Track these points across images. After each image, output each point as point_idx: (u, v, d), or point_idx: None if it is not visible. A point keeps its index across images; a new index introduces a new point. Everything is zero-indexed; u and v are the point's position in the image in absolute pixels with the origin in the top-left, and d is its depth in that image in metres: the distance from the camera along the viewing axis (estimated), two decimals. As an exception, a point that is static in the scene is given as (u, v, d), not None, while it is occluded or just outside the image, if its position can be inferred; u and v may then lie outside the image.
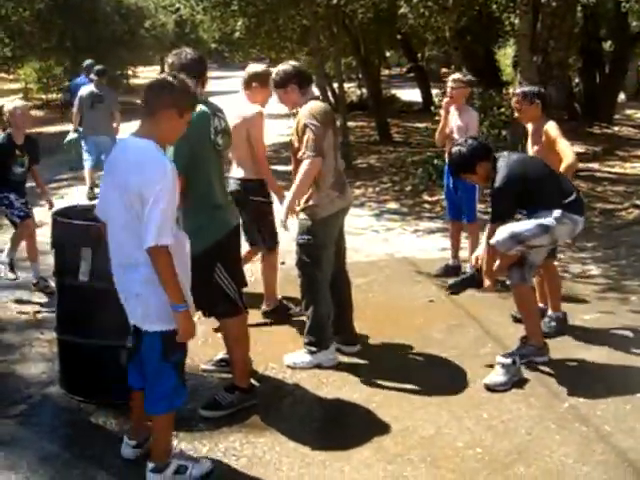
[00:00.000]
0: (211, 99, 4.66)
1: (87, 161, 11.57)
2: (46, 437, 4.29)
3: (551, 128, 5.56)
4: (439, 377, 5.04)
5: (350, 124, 15.79)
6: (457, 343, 5.56)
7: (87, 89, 11.56)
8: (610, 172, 12.57)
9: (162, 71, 40.43)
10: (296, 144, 5.04)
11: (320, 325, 5.13)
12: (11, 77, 32.55)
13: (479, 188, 6.81)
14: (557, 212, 4.90)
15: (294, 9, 15.38)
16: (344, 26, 15.95)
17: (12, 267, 6.74)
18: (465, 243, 7.27)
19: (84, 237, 4.41)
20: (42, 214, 7.09)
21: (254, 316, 5.49)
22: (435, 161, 11.24)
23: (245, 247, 5.65)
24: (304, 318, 5.26)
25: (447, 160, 5.52)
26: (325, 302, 5.15)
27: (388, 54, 30.30)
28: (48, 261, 6.84)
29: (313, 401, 4.72)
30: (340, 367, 5.15)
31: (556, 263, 6.01)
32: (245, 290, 4.69)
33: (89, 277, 4.40)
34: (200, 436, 4.27)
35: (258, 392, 4.69)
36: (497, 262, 5.02)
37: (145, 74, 42.46)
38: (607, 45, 21.13)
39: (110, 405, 4.57)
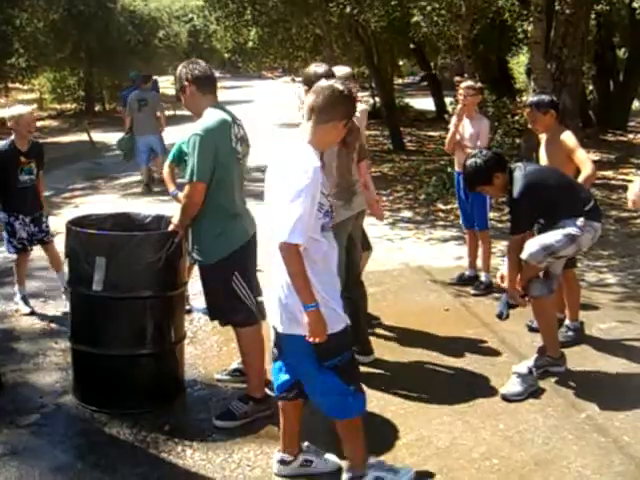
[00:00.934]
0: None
1: (140, 160, 12.72)
2: (59, 447, 4.28)
3: (568, 138, 5.50)
4: (454, 387, 5.00)
5: (363, 133, 15.75)
6: (473, 353, 5.50)
7: (134, 94, 12.65)
8: (625, 180, 12.48)
9: (176, 81, 40.78)
10: None
11: None
12: (26, 87, 32.74)
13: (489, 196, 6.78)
14: (580, 220, 4.85)
15: (307, 18, 15.42)
16: (357, 35, 15.98)
17: (26, 301, 6.58)
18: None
19: (98, 246, 4.41)
20: (57, 223, 7.07)
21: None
22: (449, 169, 11.20)
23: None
24: None
25: (462, 171, 5.45)
26: None
27: (401, 63, 30.31)
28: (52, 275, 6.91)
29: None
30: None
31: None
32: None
33: (103, 287, 4.38)
34: (214, 446, 4.24)
35: (272, 402, 4.65)
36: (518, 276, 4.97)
37: (159, 84, 42.86)
38: (621, 52, 21.06)
39: (124, 415, 4.56)
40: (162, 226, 4.89)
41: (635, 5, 13.19)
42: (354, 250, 5.33)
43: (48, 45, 25.61)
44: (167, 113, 14.45)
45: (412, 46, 16.62)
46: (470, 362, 5.34)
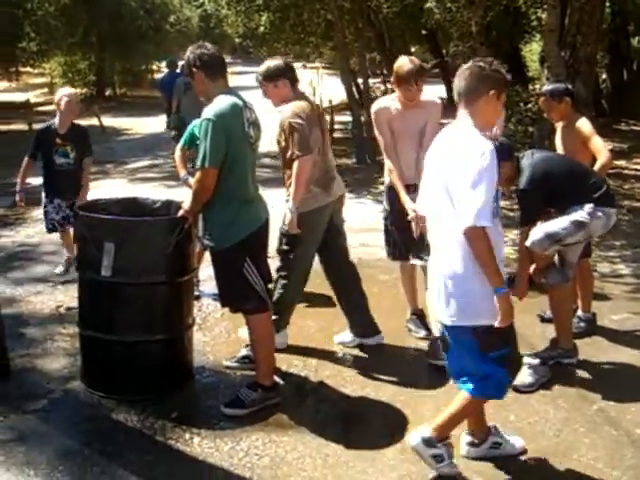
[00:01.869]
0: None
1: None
2: (66, 433, 4.25)
3: (584, 125, 5.42)
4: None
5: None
6: (483, 342, 5.45)
7: (182, 79, 12.55)
8: (638, 169, 12.39)
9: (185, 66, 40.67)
10: (283, 143, 4.96)
11: (280, 310, 5.10)
12: (36, 71, 32.73)
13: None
14: (589, 207, 4.77)
15: (319, 3, 15.31)
16: (369, 20, 15.87)
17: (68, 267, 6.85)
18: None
19: (107, 231, 4.37)
20: None
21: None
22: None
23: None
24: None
25: None
26: (293, 291, 5.19)
27: (413, 49, 30.13)
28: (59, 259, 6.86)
29: (337, 400, 4.64)
30: (364, 365, 5.08)
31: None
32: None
33: (111, 272, 4.35)
34: (222, 434, 4.20)
35: (281, 390, 4.62)
36: (533, 265, 4.90)
37: (169, 69, 42.78)
38: (635, 41, 20.87)
39: (131, 402, 4.53)
40: (171, 211, 4.85)
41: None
42: (340, 236, 5.40)
43: (59, 29, 25.54)
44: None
45: (424, 32, 16.49)
46: (481, 352, 5.28)
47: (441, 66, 24.40)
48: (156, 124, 20.35)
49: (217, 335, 5.64)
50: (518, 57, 21.24)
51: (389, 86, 25.16)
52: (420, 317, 5.66)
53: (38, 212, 7.91)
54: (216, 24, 35.35)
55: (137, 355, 4.55)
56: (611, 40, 18.18)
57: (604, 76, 19.81)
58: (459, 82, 3.60)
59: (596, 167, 5.23)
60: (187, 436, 4.20)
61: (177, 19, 32.73)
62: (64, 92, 6.59)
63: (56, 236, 7.15)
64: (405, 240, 5.29)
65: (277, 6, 16.41)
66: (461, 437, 3.98)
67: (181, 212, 4.40)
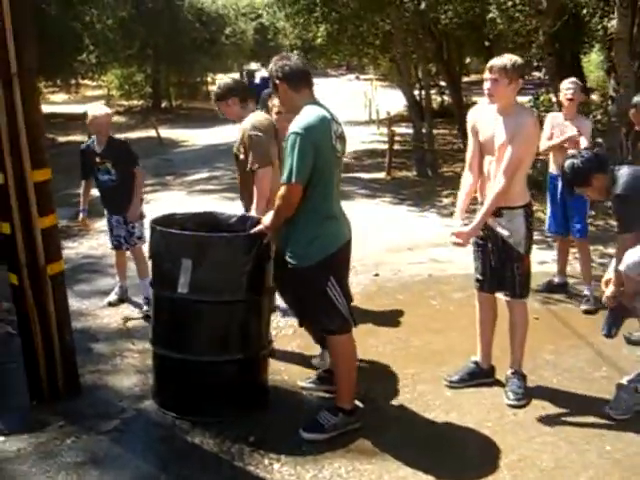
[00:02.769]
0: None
1: None
2: (141, 456, 4.10)
3: None
4: (554, 402, 4.66)
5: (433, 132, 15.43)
6: (569, 366, 5.18)
7: (268, 90, 12.83)
8: None
9: (241, 77, 40.87)
10: (242, 156, 5.22)
11: None
12: (94, 84, 33.19)
13: (589, 203, 6.42)
14: None
15: (379, 15, 15.12)
16: (429, 31, 15.63)
17: (118, 295, 6.69)
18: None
19: (184, 247, 4.23)
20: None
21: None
22: (530, 170, 10.79)
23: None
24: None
25: (561, 173, 5.07)
26: None
27: (468, 60, 29.80)
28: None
29: (421, 425, 4.41)
30: (445, 390, 4.84)
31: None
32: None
33: (188, 289, 4.20)
34: (303, 460, 4.01)
35: (361, 414, 4.41)
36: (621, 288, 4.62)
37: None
38: None
39: (206, 423, 4.36)
40: (247, 227, 4.70)
41: None
42: None
43: (117, 42, 25.85)
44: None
45: (487, 43, 16.20)
46: (566, 376, 5.02)
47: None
48: (212, 136, 20.39)
49: (290, 353, 5.45)
50: (579, 67, 20.78)
51: (445, 97, 24.99)
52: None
53: (101, 223, 7.82)
54: (272, 36, 35.40)
55: (212, 375, 4.38)
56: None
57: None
58: None
59: None
60: (266, 462, 4.02)
61: (232, 31, 32.83)
62: (92, 111, 6.40)
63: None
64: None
65: (335, 18, 16.25)
66: None
67: (260, 227, 4.24)
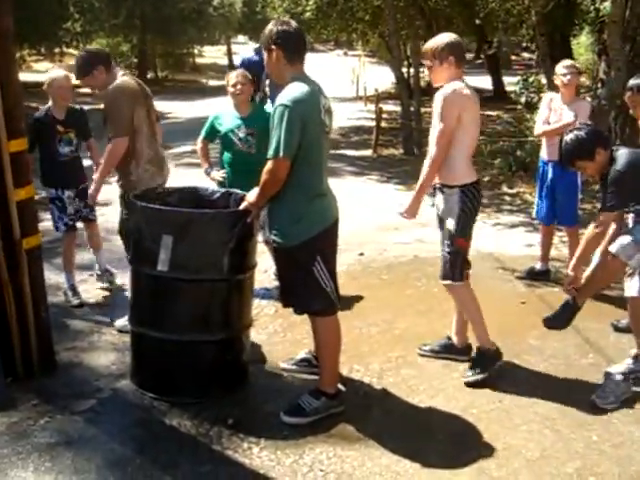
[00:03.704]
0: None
1: None
2: (117, 438, 3.97)
3: None
4: (539, 389, 4.56)
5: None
6: (555, 351, 5.09)
7: None
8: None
9: (228, 51, 40.47)
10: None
11: None
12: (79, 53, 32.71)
13: (580, 190, 6.32)
14: None
15: (370, -11, 14.97)
16: (420, 9, 15.47)
17: (75, 292, 5.99)
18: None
19: (166, 223, 4.08)
20: (110, 192, 6.65)
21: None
22: (518, 152, 10.72)
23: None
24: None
25: (561, 146, 4.90)
26: None
27: (457, 39, 29.66)
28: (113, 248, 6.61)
29: (404, 411, 4.30)
30: (430, 374, 4.74)
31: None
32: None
33: (169, 267, 4.06)
34: (283, 445, 3.90)
35: (344, 398, 4.30)
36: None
37: (211, 54, 42.57)
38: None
39: (184, 404, 4.25)
40: (231, 203, 4.56)
41: None
42: None
43: (102, 10, 25.45)
44: (214, 83, 14.33)
45: (477, 22, 16.04)
46: (552, 362, 4.93)
47: (487, 57, 23.94)
48: (198, 109, 20.11)
49: (272, 334, 5.33)
50: (569, 49, 20.65)
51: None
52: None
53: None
54: (260, 9, 35.02)
55: (192, 355, 4.26)
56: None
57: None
58: None
59: None
60: (245, 445, 3.91)
61: (220, 3, 32.47)
62: (54, 76, 5.81)
63: (104, 222, 6.86)
64: None
65: (325, -8, 16.11)
66: None
67: (245, 204, 4.09)
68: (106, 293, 6.13)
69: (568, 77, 6.20)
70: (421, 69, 23.33)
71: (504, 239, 7.95)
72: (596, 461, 3.83)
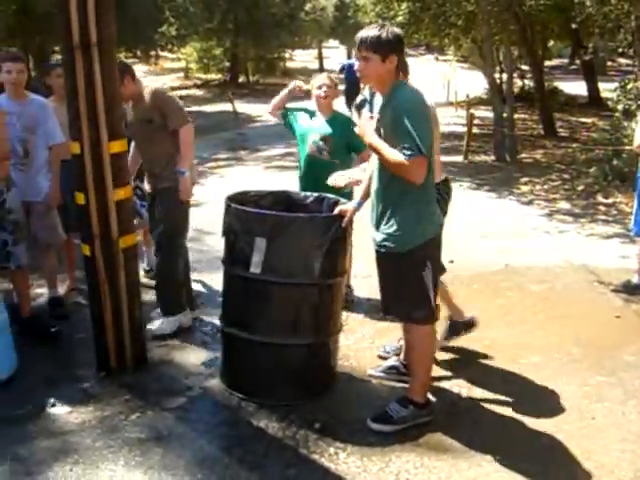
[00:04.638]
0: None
1: None
2: (205, 436, 4.02)
3: None
4: (635, 407, 4.40)
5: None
6: (652, 369, 4.92)
7: None
8: None
9: (319, 55, 40.62)
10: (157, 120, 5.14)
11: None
12: (173, 56, 33.44)
13: None
14: None
15: (465, -7, 14.81)
16: (514, 13, 15.20)
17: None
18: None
19: (260, 226, 4.11)
20: (202, 192, 6.71)
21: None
22: (615, 161, 10.42)
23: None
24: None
25: None
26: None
27: (551, 43, 29.05)
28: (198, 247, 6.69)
29: (493, 423, 4.21)
30: (521, 387, 4.64)
31: None
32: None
33: (261, 269, 4.09)
34: (369, 452, 3.87)
35: (432, 408, 4.25)
36: None
37: (301, 58, 42.83)
38: None
39: (272, 406, 4.27)
40: (323, 208, 4.57)
41: None
42: None
43: (197, 15, 25.93)
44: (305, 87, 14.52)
45: (574, 26, 15.66)
46: (650, 379, 4.77)
47: (582, 62, 23.34)
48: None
49: (360, 339, 5.32)
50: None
51: (525, 82, 24.39)
52: None
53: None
54: (351, 14, 35.10)
55: (280, 358, 4.29)
56: None
57: None
58: None
59: None
60: (332, 450, 3.89)
61: (312, 8, 32.69)
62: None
63: (199, 220, 6.95)
64: None
65: (418, -5, 15.99)
66: None
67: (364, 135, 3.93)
68: (197, 292, 6.20)
69: None
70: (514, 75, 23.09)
71: (598, 250, 7.73)
72: (695, 486, 3.68)
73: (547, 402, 4.45)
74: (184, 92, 29.07)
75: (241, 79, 31.98)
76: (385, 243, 3.96)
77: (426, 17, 16.76)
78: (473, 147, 14.67)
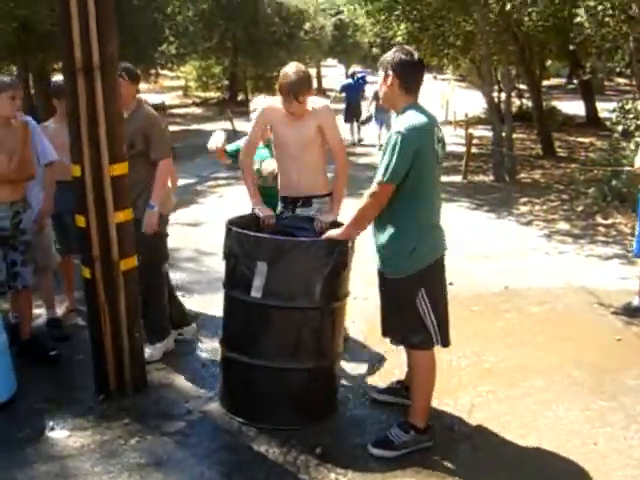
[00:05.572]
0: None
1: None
2: (205, 461, 3.99)
3: None
4: (636, 433, 4.38)
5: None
6: (655, 393, 4.90)
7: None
8: None
9: (318, 73, 40.75)
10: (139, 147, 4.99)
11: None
12: (172, 75, 33.56)
13: None
14: None
15: (462, 15, 14.84)
16: (513, 33, 15.26)
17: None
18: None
19: (261, 250, 4.10)
20: (202, 212, 6.76)
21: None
22: (613, 182, 10.44)
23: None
24: None
25: None
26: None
27: (549, 63, 29.18)
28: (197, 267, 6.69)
29: (494, 448, 4.18)
30: (522, 411, 4.62)
31: None
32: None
33: (262, 294, 4.08)
34: (371, 477, 3.85)
35: (433, 433, 4.22)
36: None
37: (300, 76, 42.93)
38: None
39: (272, 430, 4.24)
40: (315, 227, 4.59)
41: None
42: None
43: (196, 34, 26.01)
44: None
45: (572, 47, 15.72)
46: (652, 404, 4.75)
47: (580, 82, 23.45)
48: (287, 131, 20.29)
49: (362, 364, 5.28)
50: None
51: (524, 101, 24.46)
52: None
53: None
54: (350, 33, 35.27)
55: (281, 382, 4.27)
56: None
57: None
58: None
59: None
60: (333, 476, 3.87)
61: (311, 27, 32.81)
62: None
63: (198, 240, 6.99)
64: None
65: (417, 17, 16.02)
66: None
67: (341, 231, 4.09)
68: (196, 314, 6.18)
69: None
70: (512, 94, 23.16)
71: (598, 272, 7.72)
72: None
73: (549, 427, 4.42)
74: (183, 110, 29.15)
75: (240, 97, 32.03)
76: (384, 269, 4.02)
77: (425, 37, 16.82)
78: (472, 167, 14.69)
